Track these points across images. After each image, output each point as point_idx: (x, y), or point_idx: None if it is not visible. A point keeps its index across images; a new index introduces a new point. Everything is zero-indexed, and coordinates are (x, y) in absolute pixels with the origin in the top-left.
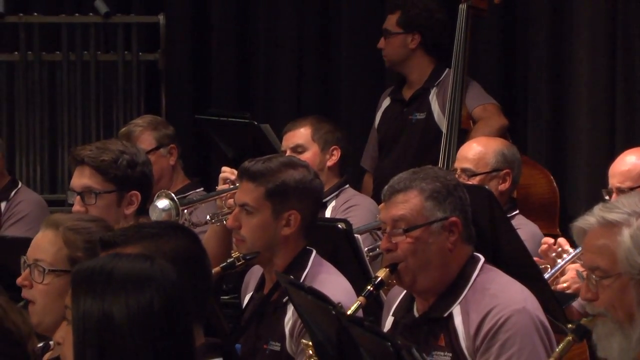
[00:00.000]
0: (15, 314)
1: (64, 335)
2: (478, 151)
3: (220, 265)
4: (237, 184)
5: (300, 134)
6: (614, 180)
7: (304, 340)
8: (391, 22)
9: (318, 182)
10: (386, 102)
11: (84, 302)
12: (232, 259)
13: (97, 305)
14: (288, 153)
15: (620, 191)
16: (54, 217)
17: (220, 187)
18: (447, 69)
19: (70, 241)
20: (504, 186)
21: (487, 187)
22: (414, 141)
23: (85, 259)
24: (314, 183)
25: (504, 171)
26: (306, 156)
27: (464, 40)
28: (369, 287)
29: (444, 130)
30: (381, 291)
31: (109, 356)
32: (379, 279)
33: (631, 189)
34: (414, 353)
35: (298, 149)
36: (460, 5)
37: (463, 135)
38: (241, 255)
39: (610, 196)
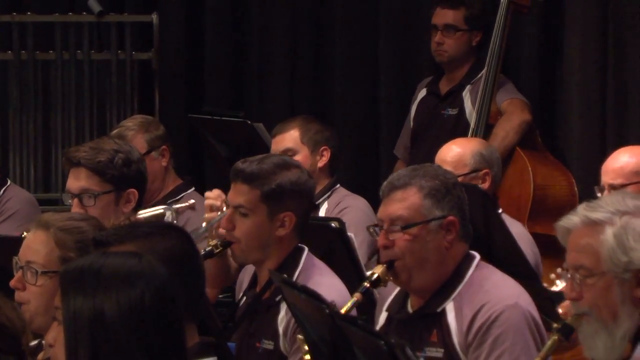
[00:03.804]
0: (9, 309)
1: (55, 336)
2: (456, 153)
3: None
4: (224, 210)
5: (289, 138)
6: (606, 178)
7: (299, 336)
8: (456, 18)
9: (311, 182)
10: (422, 93)
11: (74, 302)
12: (210, 247)
13: (87, 304)
14: None
15: (613, 188)
16: (44, 217)
17: (209, 215)
18: (485, 69)
19: (61, 242)
20: (484, 186)
21: (480, 187)
22: (444, 136)
23: (77, 258)
24: (308, 183)
25: (483, 171)
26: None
27: (501, 36)
28: (365, 284)
29: (472, 125)
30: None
31: (101, 354)
32: (376, 275)
33: (623, 186)
34: (407, 352)
35: (288, 152)
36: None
37: (490, 131)
38: (219, 242)
39: (602, 193)
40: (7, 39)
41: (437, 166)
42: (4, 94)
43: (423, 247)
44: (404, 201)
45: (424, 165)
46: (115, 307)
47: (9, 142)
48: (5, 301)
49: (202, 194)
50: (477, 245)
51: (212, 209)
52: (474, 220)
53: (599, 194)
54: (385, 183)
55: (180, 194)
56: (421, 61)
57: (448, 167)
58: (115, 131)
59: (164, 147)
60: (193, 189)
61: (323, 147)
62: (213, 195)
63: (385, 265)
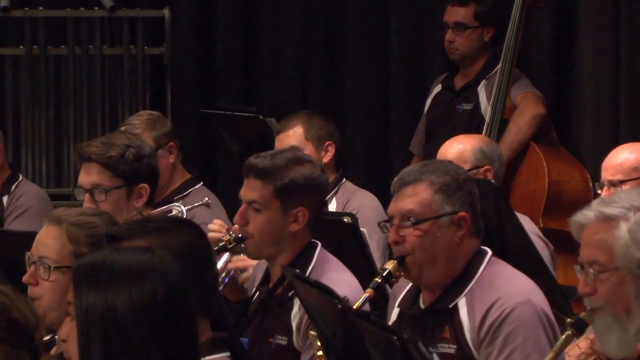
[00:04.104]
0: (23, 304)
1: (68, 331)
2: (457, 150)
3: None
4: (230, 243)
5: (293, 135)
6: (605, 174)
7: (312, 332)
8: (466, 15)
9: (324, 177)
10: (437, 89)
11: (86, 297)
12: (223, 242)
13: (100, 299)
14: None
15: (612, 184)
16: (57, 212)
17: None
18: (500, 64)
19: (74, 237)
20: None
21: (493, 181)
22: (459, 131)
23: (89, 253)
24: (320, 178)
25: (484, 168)
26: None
27: (517, 31)
28: (377, 279)
29: (487, 120)
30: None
31: (113, 349)
32: (387, 270)
33: (622, 182)
34: (420, 347)
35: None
36: None
37: (504, 126)
38: (232, 237)
39: (602, 189)
40: (19, 34)
41: (449, 162)
42: (16, 89)
43: (434, 242)
44: (414, 197)
45: (435, 161)
46: (127, 303)
47: (21, 137)
48: (18, 296)
49: (214, 190)
50: (490, 240)
51: (217, 244)
52: (486, 216)
53: (599, 191)
54: (396, 179)
55: (188, 190)
56: (433, 56)
57: None
58: (122, 128)
59: (171, 143)
60: (201, 183)
61: (328, 142)
62: (216, 227)
63: (396, 261)
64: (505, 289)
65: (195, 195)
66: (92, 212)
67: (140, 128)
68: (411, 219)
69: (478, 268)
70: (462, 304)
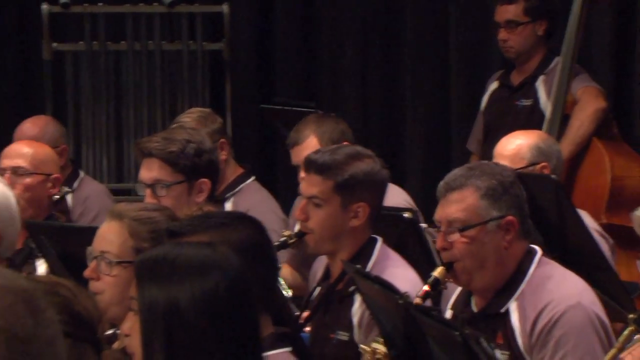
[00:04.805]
0: (85, 298)
1: (131, 326)
2: (514, 146)
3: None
4: (291, 239)
5: (309, 146)
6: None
7: (364, 347)
8: (516, 12)
9: (384, 173)
10: (493, 86)
11: (149, 292)
12: (284, 238)
13: (162, 294)
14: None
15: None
16: (118, 207)
17: None
18: (557, 57)
19: (135, 232)
20: None
21: (553, 177)
22: (518, 127)
23: (151, 248)
24: (381, 173)
25: (541, 165)
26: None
27: (577, 26)
28: (425, 288)
29: (548, 115)
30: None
31: (176, 344)
32: (435, 277)
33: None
34: (482, 342)
35: None
36: None
37: (566, 121)
38: (293, 232)
39: None
40: (79, 30)
41: (494, 164)
42: (76, 85)
43: (482, 248)
44: (460, 202)
45: (481, 164)
46: (190, 298)
47: (81, 132)
48: (81, 290)
49: (273, 185)
50: (550, 236)
51: None
52: (546, 211)
53: None
54: (441, 183)
55: (240, 185)
56: (492, 52)
57: (505, 161)
58: (174, 127)
59: (222, 140)
60: (253, 178)
61: (344, 142)
62: None
63: (444, 267)
64: (555, 292)
65: (247, 190)
66: (154, 207)
67: (192, 125)
68: (458, 225)
69: (528, 270)
70: (513, 308)
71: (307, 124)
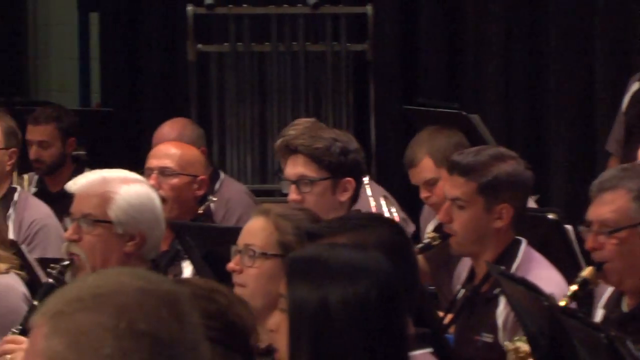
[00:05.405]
0: (240, 306)
1: (278, 322)
2: None
3: (417, 247)
4: (435, 240)
5: (423, 169)
6: None
7: (507, 343)
8: None
9: (528, 174)
10: (635, 86)
11: (300, 291)
12: (428, 240)
13: (313, 295)
14: (423, 190)
15: None
16: (264, 205)
17: None
18: None
19: (281, 226)
20: None
21: None
22: None
23: (295, 243)
24: (524, 175)
25: None
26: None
27: None
28: (572, 288)
29: None
30: None
31: (323, 346)
32: (583, 278)
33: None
34: (628, 345)
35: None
36: None
37: None
38: (437, 235)
39: None
40: (224, 31)
41: None
42: (220, 86)
43: (632, 250)
44: (612, 204)
45: (635, 165)
46: (341, 300)
47: (225, 133)
48: (237, 298)
49: (417, 188)
50: None
51: None
52: None
53: None
54: (594, 183)
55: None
56: (637, 53)
57: None
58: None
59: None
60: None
61: None
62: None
63: (593, 268)
64: None
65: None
66: (298, 207)
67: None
68: (608, 226)
69: None
70: None
71: (421, 144)
